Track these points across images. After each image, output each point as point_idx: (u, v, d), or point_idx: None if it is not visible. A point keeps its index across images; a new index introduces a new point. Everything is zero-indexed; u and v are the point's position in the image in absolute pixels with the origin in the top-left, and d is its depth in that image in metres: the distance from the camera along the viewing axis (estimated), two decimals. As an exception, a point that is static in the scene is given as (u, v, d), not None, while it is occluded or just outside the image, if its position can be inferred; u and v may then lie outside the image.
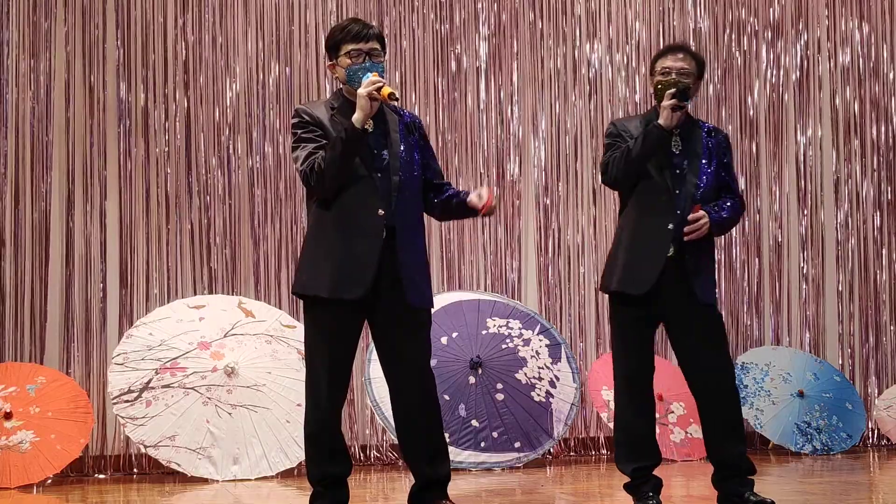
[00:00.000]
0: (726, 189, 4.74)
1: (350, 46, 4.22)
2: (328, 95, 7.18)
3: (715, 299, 4.65)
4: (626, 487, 4.72)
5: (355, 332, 4.24)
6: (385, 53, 4.34)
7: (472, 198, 4.32)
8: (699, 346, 4.58)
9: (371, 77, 4.13)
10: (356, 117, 4.10)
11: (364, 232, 4.14)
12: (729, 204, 4.70)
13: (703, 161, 4.66)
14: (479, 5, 7.56)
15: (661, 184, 4.59)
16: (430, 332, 4.36)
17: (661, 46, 4.94)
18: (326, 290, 4.14)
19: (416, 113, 7.35)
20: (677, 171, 4.61)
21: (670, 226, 4.55)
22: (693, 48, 4.93)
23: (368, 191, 4.15)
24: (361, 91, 4.10)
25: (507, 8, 7.60)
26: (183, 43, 7.07)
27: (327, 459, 4.20)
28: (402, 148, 4.25)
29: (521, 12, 7.63)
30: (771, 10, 8.02)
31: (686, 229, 4.54)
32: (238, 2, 7.17)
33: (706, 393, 4.60)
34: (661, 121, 4.57)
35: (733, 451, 4.58)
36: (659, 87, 4.63)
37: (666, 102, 4.56)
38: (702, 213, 4.56)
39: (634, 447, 4.64)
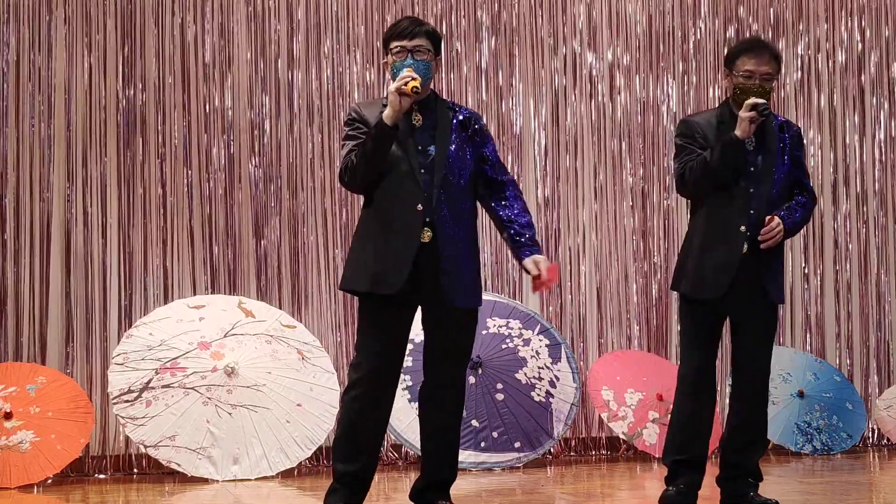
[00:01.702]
0: (798, 185, 4.70)
1: (395, 43, 4.21)
2: (328, 94, 7.22)
3: (783, 299, 4.67)
4: (667, 478, 4.69)
5: (400, 327, 4.21)
6: (438, 52, 4.27)
7: (528, 264, 4.24)
8: (755, 347, 4.60)
9: (404, 72, 4.11)
10: (386, 114, 4.07)
11: (401, 228, 4.12)
12: (802, 202, 4.67)
13: (778, 159, 4.62)
14: (480, 5, 7.56)
15: (735, 185, 4.55)
16: (475, 332, 4.34)
17: (741, 40, 4.77)
18: (364, 286, 4.15)
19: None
20: (752, 169, 4.57)
21: (743, 227, 4.53)
22: (771, 44, 4.84)
23: (410, 187, 4.13)
24: (391, 87, 4.08)
25: (508, 7, 7.60)
26: (183, 42, 7.06)
27: (353, 457, 4.18)
28: (452, 146, 4.21)
29: (522, 12, 7.62)
30: (771, 9, 8.02)
31: (761, 238, 4.52)
32: (240, 0, 7.17)
33: (742, 393, 4.62)
34: (738, 132, 4.49)
35: (750, 459, 4.59)
36: (741, 89, 4.54)
37: (745, 114, 4.47)
38: (776, 221, 4.53)
39: (690, 441, 4.60)
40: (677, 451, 4.62)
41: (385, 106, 4.17)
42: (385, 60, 4.31)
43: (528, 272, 4.27)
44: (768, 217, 4.54)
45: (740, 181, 4.55)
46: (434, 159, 4.17)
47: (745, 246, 4.54)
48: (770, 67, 4.58)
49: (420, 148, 4.18)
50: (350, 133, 4.22)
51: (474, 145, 4.30)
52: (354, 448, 4.19)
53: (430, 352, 4.29)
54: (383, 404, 4.23)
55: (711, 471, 4.74)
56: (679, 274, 4.70)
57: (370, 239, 4.18)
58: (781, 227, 4.54)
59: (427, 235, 4.14)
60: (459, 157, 4.23)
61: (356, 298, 4.38)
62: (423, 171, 4.15)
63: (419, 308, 4.27)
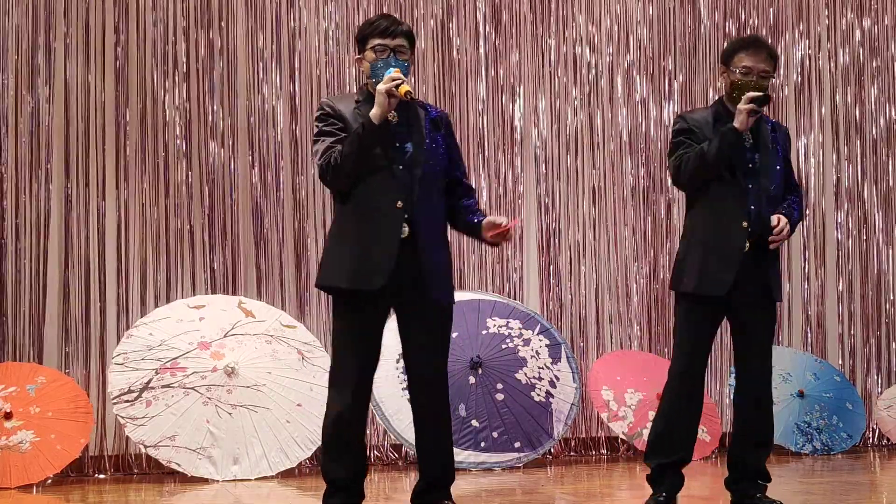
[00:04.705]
0: (788, 184, 4.68)
1: (376, 41, 4.21)
2: (328, 94, 7.22)
3: (782, 297, 4.65)
4: (649, 479, 4.68)
5: (378, 324, 4.21)
6: (413, 51, 4.31)
7: (489, 219, 4.25)
8: (758, 346, 4.58)
9: (391, 73, 4.12)
10: (374, 113, 4.09)
11: (382, 224, 4.12)
12: (796, 201, 4.66)
13: (774, 157, 4.61)
14: (480, 3, 7.56)
15: (734, 182, 4.53)
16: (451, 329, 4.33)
17: (739, 38, 4.78)
18: (345, 281, 4.13)
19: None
20: (750, 166, 4.55)
21: (745, 223, 4.51)
22: (769, 43, 4.84)
23: (388, 183, 4.14)
24: (380, 87, 4.09)
25: (508, 5, 7.60)
26: (182, 42, 7.06)
27: (343, 458, 4.17)
28: (426, 142, 4.23)
29: (522, 10, 7.62)
30: (771, 9, 8.02)
31: (770, 238, 4.49)
32: (239, 1, 7.17)
33: (747, 394, 4.60)
34: (737, 124, 4.46)
35: (756, 460, 4.58)
36: (738, 85, 4.53)
37: (744, 106, 4.45)
38: (784, 220, 4.51)
39: (675, 441, 4.59)
40: (665, 454, 4.60)
41: (358, 102, 4.22)
42: (358, 57, 4.29)
43: (493, 222, 4.24)
44: (775, 217, 4.51)
45: (738, 177, 4.53)
46: (412, 156, 4.19)
47: (747, 243, 4.51)
48: (767, 65, 4.56)
49: (398, 145, 4.19)
50: (325, 129, 4.21)
51: (447, 145, 4.33)
52: (344, 450, 4.17)
53: (412, 350, 4.26)
54: (365, 399, 4.22)
55: (718, 473, 4.73)
56: (680, 272, 4.64)
57: (349, 236, 4.16)
58: (787, 225, 4.52)
59: (406, 231, 4.14)
60: (434, 155, 4.25)
61: None
62: (401, 167, 4.16)
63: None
